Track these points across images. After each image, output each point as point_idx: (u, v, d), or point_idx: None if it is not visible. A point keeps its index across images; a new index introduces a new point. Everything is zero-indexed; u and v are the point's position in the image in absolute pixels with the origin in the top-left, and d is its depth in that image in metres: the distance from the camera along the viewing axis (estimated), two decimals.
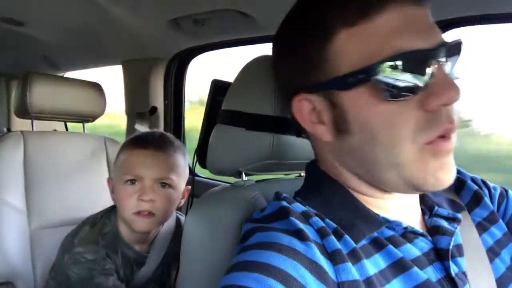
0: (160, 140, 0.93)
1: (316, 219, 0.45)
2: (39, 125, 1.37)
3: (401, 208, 0.48)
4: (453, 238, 0.47)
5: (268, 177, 0.71)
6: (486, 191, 0.58)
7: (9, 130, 1.96)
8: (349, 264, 0.40)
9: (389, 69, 0.40)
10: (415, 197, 0.50)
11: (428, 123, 0.41)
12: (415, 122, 0.41)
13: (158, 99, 1.51)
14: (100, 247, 0.89)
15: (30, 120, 1.30)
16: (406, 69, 0.40)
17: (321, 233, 0.43)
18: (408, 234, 0.47)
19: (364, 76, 0.41)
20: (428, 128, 0.41)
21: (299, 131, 0.60)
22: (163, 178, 0.90)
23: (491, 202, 0.56)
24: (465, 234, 0.50)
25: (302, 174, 0.75)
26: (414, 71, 0.40)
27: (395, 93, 0.40)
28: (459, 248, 0.48)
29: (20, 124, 1.85)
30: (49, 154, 1.26)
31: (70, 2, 1.14)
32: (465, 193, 0.57)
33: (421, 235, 0.47)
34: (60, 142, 1.31)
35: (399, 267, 0.43)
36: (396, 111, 0.41)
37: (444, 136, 0.41)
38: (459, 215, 0.50)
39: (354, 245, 0.43)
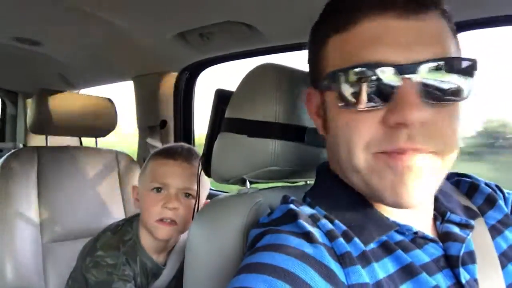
0: (188, 152, 0.98)
1: (324, 221, 0.45)
2: (54, 141, 1.41)
3: (412, 213, 0.48)
4: (464, 245, 0.46)
5: (273, 184, 0.71)
6: (501, 195, 0.57)
7: (24, 146, 2.02)
8: (359, 267, 0.40)
9: (352, 78, 0.41)
10: (427, 203, 0.49)
11: (384, 137, 0.41)
12: (372, 134, 0.41)
13: (168, 113, 1.53)
14: (121, 253, 0.92)
15: (47, 137, 1.35)
16: (369, 81, 0.40)
17: (330, 235, 0.43)
18: (418, 240, 0.46)
19: (328, 82, 0.44)
20: (381, 142, 0.41)
21: (302, 137, 0.60)
22: (188, 188, 0.94)
23: (505, 205, 0.55)
24: (478, 240, 0.49)
25: (309, 182, 0.74)
26: (378, 84, 0.40)
27: (350, 102, 0.42)
28: (471, 255, 0.47)
29: (37, 140, 1.90)
30: (62, 168, 1.29)
31: (82, 21, 1.18)
32: (478, 196, 0.56)
33: (432, 240, 0.46)
34: (73, 157, 1.34)
35: (407, 272, 0.42)
36: (356, 119, 0.42)
37: (402, 153, 0.41)
38: (472, 222, 0.49)
39: (364, 248, 0.42)
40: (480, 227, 0.51)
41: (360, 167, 0.43)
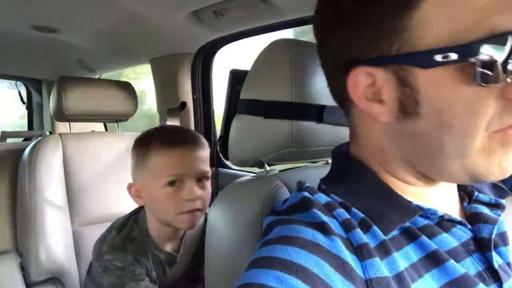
0: (189, 136, 0.92)
1: (340, 210, 0.42)
2: (78, 127, 1.44)
3: (437, 195, 0.44)
4: (496, 226, 0.42)
5: (293, 165, 0.69)
6: None
7: (50, 133, 2.07)
8: (377, 259, 0.37)
9: (485, 50, 0.34)
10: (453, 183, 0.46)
11: (504, 111, 0.36)
12: (493, 110, 0.36)
13: (187, 95, 1.52)
14: (128, 254, 0.88)
15: (74, 123, 1.37)
16: (502, 51, 0.33)
17: (346, 226, 0.40)
18: (445, 223, 0.43)
19: (457, 55, 0.34)
20: (502, 117, 0.36)
21: (320, 117, 0.57)
22: (203, 172, 0.89)
23: None
24: (510, 220, 0.46)
25: (329, 161, 0.72)
26: (510, 55, 0.34)
27: (488, 77, 0.34)
28: (503, 236, 0.43)
29: (64, 127, 1.95)
30: (86, 154, 1.31)
31: (96, 6, 1.17)
32: (509, 178, 0.52)
33: (459, 223, 0.43)
34: (96, 142, 1.36)
35: (433, 260, 0.39)
36: (478, 97, 0.35)
37: None
38: (503, 201, 0.46)
39: (383, 237, 0.39)
40: (511, 206, 0.47)
41: (473, 150, 0.38)
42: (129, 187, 0.95)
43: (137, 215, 0.97)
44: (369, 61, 0.39)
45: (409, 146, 0.41)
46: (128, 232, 0.93)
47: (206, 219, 1.02)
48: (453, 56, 0.35)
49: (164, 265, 0.95)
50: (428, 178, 0.42)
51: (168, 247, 0.96)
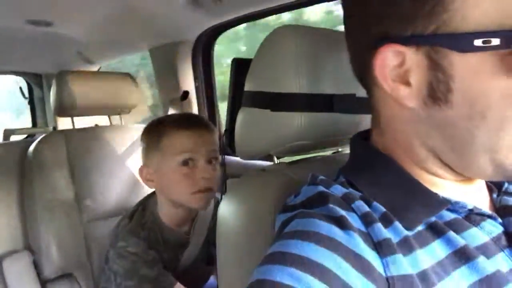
0: (203, 120, 1.00)
1: (360, 203, 0.39)
2: (82, 121, 1.42)
3: (465, 187, 0.42)
4: None
5: (303, 157, 0.67)
6: None
7: (54, 128, 2.06)
8: (400, 255, 0.35)
9: None
10: None
11: None
12: None
13: (189, 83, 1.49)
14: (140, 239, 0.93)
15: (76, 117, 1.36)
16: None
17: (366, 219, 0.38)
18: (474, 216, 0.40)
19: (499, 41, 0.32)
20: None
21: (331, 106, 0.54)
22: (213, 154, 0.95)
23: None
24: None
25: (340, 149, 0.70)
26: None
27: None
28: None
29: (67, 121, 1.94)
30: (91, 148, 1.30)
31: None
32: None
33: (489, 216, 0.40)
34: (101, 136, 1.35)
35: (461, 256, 0.37)
36: None
37: None
38: None
39: (406, 232, 0.37)
40: None
41: (507, 145, 0.36)
42: (141, 170, 0.99)
43: (145, 202, 1.01)
44: (400, 39, 0.36)
45: (436, 136, 0.38)
46: (139, 218, 0.97)
47: (216, 203, 1.05)
48: (496, 41, 0.32)
49: (176, 248, 0.99)
50: (456, 172, 0.40)
51: (180, 230, 1.00)
